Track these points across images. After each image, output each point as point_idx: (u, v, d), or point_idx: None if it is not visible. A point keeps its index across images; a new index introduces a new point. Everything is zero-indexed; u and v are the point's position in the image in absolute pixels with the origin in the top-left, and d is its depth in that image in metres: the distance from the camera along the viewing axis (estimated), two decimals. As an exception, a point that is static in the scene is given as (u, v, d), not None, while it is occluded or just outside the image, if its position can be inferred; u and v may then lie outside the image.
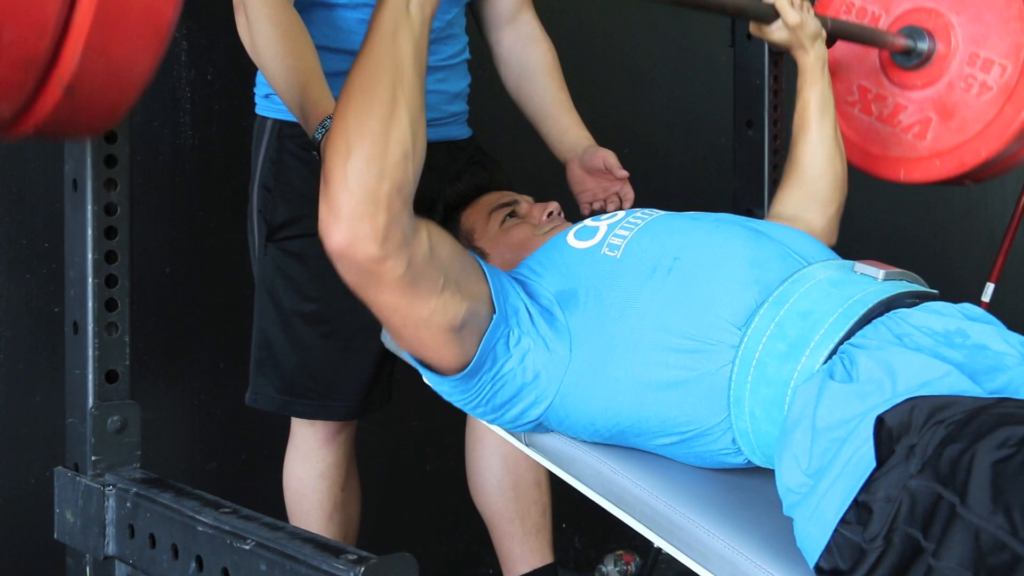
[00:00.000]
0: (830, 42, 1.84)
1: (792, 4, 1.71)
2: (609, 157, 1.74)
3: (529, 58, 1.85)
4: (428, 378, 1.39)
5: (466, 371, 1.31)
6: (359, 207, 1.14)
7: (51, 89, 0.88)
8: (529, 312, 1.33)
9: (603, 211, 1.70)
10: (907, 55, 2.06)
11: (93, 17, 0.86)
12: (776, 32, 1.73)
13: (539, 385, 1.33)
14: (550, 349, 1.32)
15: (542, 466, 1.49)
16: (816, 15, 1.76)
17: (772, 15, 1.72)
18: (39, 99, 0.89)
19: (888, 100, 2.11)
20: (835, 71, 2.06)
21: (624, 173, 1.74)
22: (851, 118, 2.14)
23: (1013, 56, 1.96)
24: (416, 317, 1.24)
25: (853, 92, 2.15)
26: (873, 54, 2.12)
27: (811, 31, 1.73)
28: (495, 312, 1.29)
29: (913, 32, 2.05)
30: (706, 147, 2.89)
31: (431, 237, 1.23)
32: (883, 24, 2.11)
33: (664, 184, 2.75)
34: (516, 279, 1.38)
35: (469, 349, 1.29)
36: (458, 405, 1.39)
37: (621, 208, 1.70)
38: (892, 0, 2.11)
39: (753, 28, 1.79)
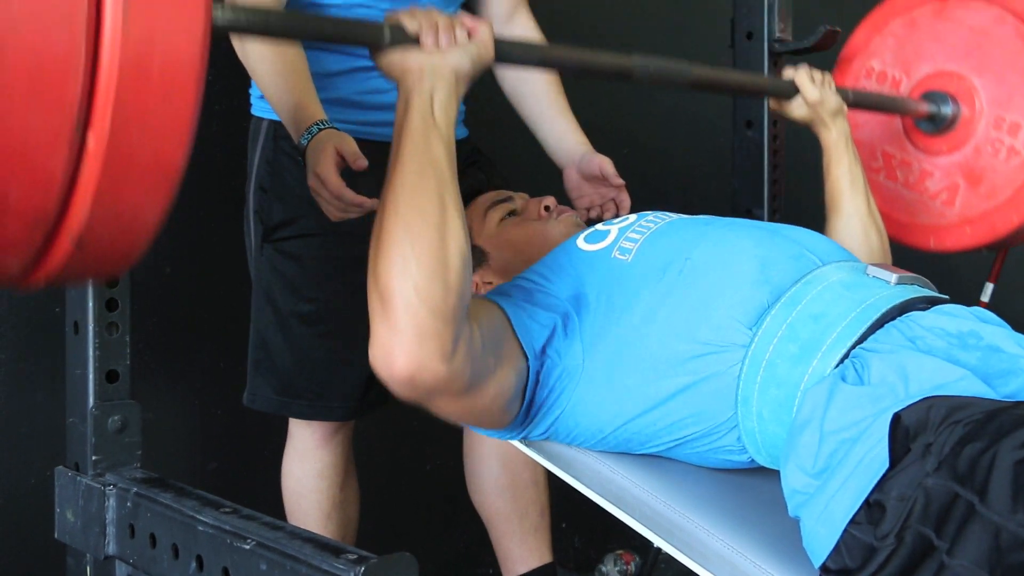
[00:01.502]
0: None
1: (812, 80, 1.69)
2: (605, 164, 1.74)
3: None
4: (481, 432, 1.39)
5: (517, 419, 1.31)
6: (428, 327, 1.09)
7: (60, 243, 0.85)
8: (549, 337, 1.31)
9: (600, 218, 1.70)
10: (931, 121, 2.02)
11: (101, 169, 0.82)
12: (796, 109, 1.71)
13: (551, 398, 1.32)
14: (562, 361, 1.31)
15: (540, 466, 1.49)
16: (838, 88, 1.73)
17: (792, 91, 1.69)
18: (48, 253, 0.86)
19: (913, 166, 2.06)
20: (858, 138, 2.02)
21: (620, 181, 1.74)
22: (876, 185, 2.08)
23: None
24: (479, 408, 1.24)
25: (877, 158, 2.11)
26: (896, 119, 2.08)
27: (832, 108, 1.70)
28: (527, 358, 1.28)
29: (936, 97, 2.01)
30: (706, 148, 2.89)
31: (478, 321, 1.19)
32: (904, 88, 2.07)
33: (663, 185, 2.75)
34: (524, 286, 1.37)
35: (518, 405, 1.30)
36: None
37: (618, 215, 1.70)
38: (913, 63, 2.07)
39: (773, 104, 1.76)
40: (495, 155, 1.90)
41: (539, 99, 1.84)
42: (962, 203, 2.00)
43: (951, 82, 2.01)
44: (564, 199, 1.74)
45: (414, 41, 1.22)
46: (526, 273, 1.41)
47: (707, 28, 2.69)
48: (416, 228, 1.11)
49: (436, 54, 1.21)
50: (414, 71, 1.21)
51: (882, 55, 2.13)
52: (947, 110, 2.00)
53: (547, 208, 1.59)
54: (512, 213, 1.60)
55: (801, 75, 1.69)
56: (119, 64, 0.80)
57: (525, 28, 1.87)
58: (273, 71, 1.55)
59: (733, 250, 1.34)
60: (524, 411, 1.31)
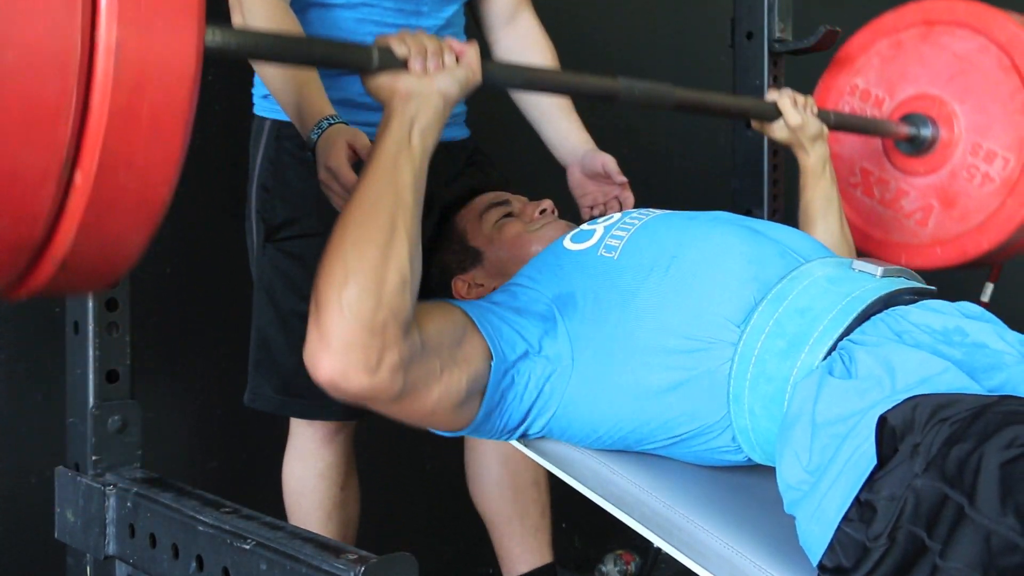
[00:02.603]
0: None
1: (795, 104, 1.70)
2: (609, 162, 1.74)
3: (527, 59, 1.85)
4: (440, 433, 1.38)
5: (476, 421, 1.30)
6: (353, 337, 1.11)
7: (44, 266, 0.88)
8: (526, 335, 1.31)
9: (603, 215, 1.70)
10: (910, 142, 2.06)
11: (87, 204, 0.85)
12: (778, 131, 1.73)
13: (543, 399, 1.32)
14: (551, 361, 1.31)
15: (541, 466, 1.49)
16: (820, 111, 1.74)
17: (774, 114, 1.71)
18: (32, 274, 0.89)
19: (890, 184, 2.11)
20: (838, 151, 2.06)
21: (623, 179, 1.74)
22: (853, 199, 2.14)
23: (1016, 149, 1.95)
24: (421, 411, 1.23)
25: (855, 173, 2.16)
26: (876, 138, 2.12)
27: (812, 132, 1.72)
28: (493, 357, 1.27)
29: (916, 119, 2.06)
30: (706, 147, 2.89)
31: (420, 329, 1.19)
32: (886, 107, 2.12)
33: (664, 185, 2.75)
34: (512, 290, 1.37)
35: (475, 406, 1.28)
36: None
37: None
38: (897, 84, 2.11)
39: (755, 124, 1.78)
40: (496, 155, 1.90)
41: (541, 97, 1.84)
42: (935, 224, 2.06)
43: (932, 106, 2.06)
44: (566, 198, 1.75)
45: (402, 65, 1.23)
46: (513, 279, 1.42)
47: (707, 28, 2.69)
48: (360, 246, 1.14)
49: (424, 78, 1.23)
50: (400, 94, 1.22)
51: (867, 74, 2.18)
52: (926, 132, 2.05)
53: (542, 212, 1.59)
54: (509, 215, 1.60)
55: (783, 99, 1.71)
56: (109, 110, 0.83)
57: (527, 27, 1.86)
58: (281, 68, 1.55)
59: (720, 248, 1.34)
60: (489, 411, 1.29)
